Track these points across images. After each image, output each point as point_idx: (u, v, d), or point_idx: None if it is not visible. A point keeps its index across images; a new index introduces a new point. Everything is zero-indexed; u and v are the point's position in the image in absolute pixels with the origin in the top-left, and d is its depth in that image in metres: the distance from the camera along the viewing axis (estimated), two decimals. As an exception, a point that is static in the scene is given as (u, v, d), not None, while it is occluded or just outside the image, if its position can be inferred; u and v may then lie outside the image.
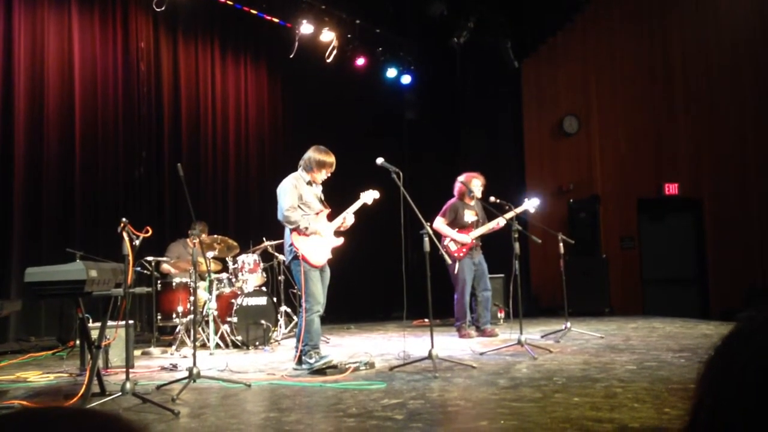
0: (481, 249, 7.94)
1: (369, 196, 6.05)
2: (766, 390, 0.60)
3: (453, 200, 7.92)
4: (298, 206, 5.66)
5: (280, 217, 5.67)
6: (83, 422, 0.61)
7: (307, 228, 5.61)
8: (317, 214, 5.78)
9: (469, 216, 7.84)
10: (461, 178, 7.86)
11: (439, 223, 7.73)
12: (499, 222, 7.62)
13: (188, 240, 8.14)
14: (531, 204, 7.69)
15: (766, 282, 11.40)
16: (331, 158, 5.79)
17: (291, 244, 5.63)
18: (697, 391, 0.67)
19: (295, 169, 5.88)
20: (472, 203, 7.91)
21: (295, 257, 5.60)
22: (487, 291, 7.88)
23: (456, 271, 7.64)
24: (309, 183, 5.79)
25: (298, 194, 5.68)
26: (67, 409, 0.63)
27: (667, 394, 4.15)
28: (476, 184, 7.86)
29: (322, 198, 5.93)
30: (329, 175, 5.86)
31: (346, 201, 6.11)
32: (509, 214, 7.27)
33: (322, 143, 5.95)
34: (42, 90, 8.06)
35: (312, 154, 5.79)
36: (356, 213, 6.01)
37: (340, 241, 5.92)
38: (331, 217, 5.95)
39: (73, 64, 8.35)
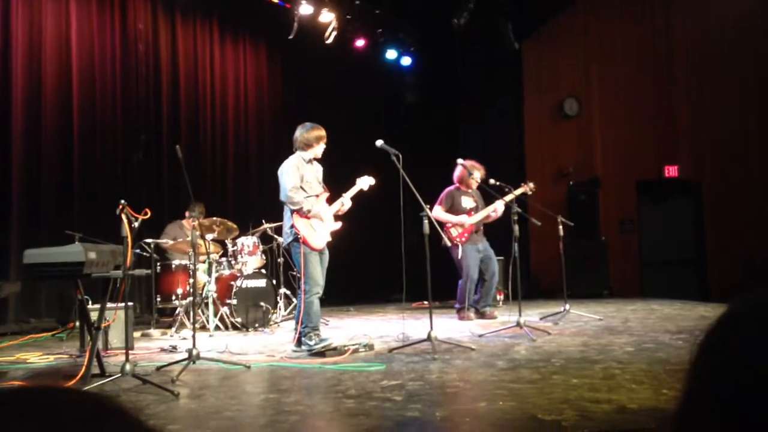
0: (483, 234, 7.92)
1: (365, 182, 6.07)
2: (755, 374, 0.60)
3: (450, 188, 7.89)
4: (301, 187, 5.67)
5: (282, 197, 5.68)
6: (73, 400, 0.61)
7: (309, 211, 5.61)
8: (317, 196, 5.79)
9: (467, 202, 7.82)
10: (463, 161, 7.77)
11: (438, 212, 7.67)
12: (497, 209, 7.61)
13: (184, 221, 8.13)
14: (528, 188, 7.67)
15: (764, 262, 11.39)
16: (322, 131, 5.87)
17: (292, 226, 5.64)
18: (687, 374, 0.66)
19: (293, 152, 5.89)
20: (470, 189, 7.88)
21: (295, 239, 5.61)
22: (494, 276, 7.87)
23: (459, 257, 7.64)
24: (310, 161, 5.81)
25: (300, 175, 5.69)
26: (60, 388, 0.62)
27: (665, 376, 4.17)
28: (475, 176, 7.74)
29: (321, 180, 5.93)
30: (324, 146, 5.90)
31: (344, 183, 6.11)
32: (508, 197, 7.27)
33: (322, 125, 5.95)
34: (39, 72, 8.02)
35: (306, 132, 5.81)
36: (354, 197, 6.02)
37: (338, 225, 5.94)
38: (329, 201, 5.96)
39: (71, 45, 8.30)
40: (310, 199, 5.70)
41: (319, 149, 5.84)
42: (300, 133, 5.84)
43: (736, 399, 0.60)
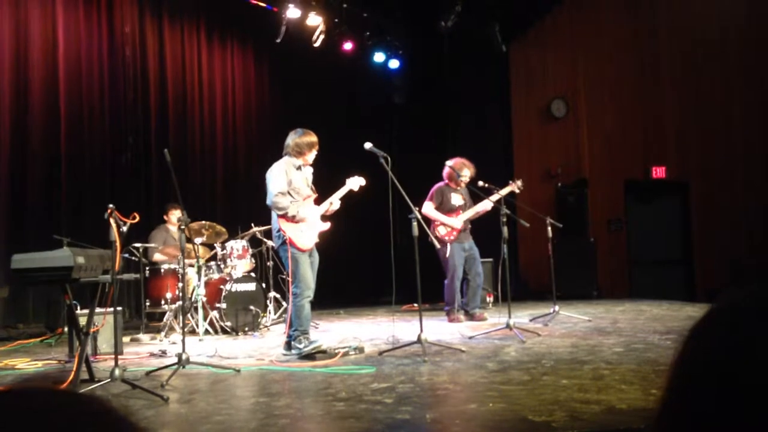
0: (470, 234, 7.94)
1: (355, 183, 6.05)
2: (735, 372, 0.61)
3: (440, 184, 7.91)
4: (288, 192, 5.66)
5: (268, 202, 5.67)
6: (64, 401, 0.61)
7: (294, 216, 5.60)
8: (305, 199, 5.79)
9: (457, 199, 7.83)
10: (450, 162, 7.82)
11: (428, 208, 7.71)
12: (486, 205, 7.63)
13: (168, 225, 8.11)
14: (516, 185, 7.70)
15: (752, 261, 11.48)
16: (314, 137, 5.84)
17: (279, 230, 5.63)
18: (671, 371, 0.67)
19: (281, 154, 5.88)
20: (459, 187, 7.90)
21: (284, 242, 5.60)
22: (479, 277, 7.89)
23: (446, 256, 7.65)
24: (299, 168, 5.79)
25: (288, 180, 5.68)
26: (51, 389, 0.63)
27: (654, 376, 4.19)
28: (465, 173, 7.79)
29: (310, 183, 5.92)
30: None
31: (332, 186, 6.12)
32: (495, 196, 7.31)
33: (310, 128, 5.94)
34: (26, 75, 7.98)
35: (298, 138, 5.78)
36: (343, 198, 6.02)
37: (327, 225, 5.93)
38: (317, 202, 5.96)
39: (58, 49, 8.26)
40: (297, 202, 5.69)
41: (310, 156, 5.81)
42: (292, 138, 5.82)
43: (717, 396, 0.61)
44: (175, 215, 7.80)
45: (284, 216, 5.60)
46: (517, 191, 7.74)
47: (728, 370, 0.61)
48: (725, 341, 0.64)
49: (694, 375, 0.65)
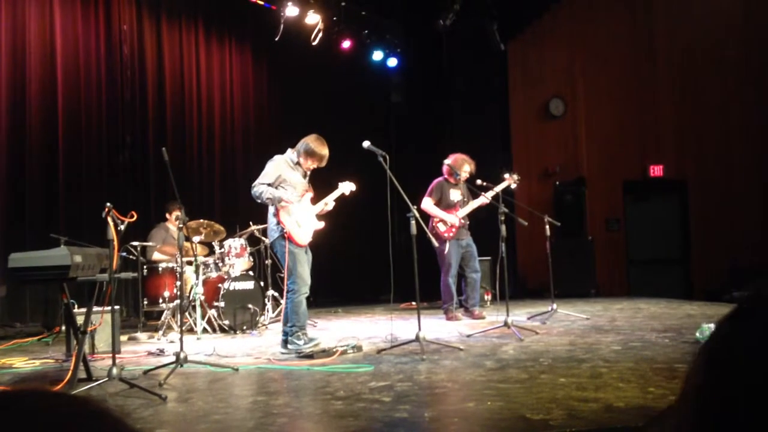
0: (469, 230, 7.94)
1: (346, 187, 6.12)
2: (759, 375, 0.60)
3: (439, 179, 7.91)
4: (283, 188, 5.66)
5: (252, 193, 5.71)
6: (59, 403, 0.61)
7: (280, 199, 5.58)
8: (301, 196, 5.81)
9: (455, 195, 7.84)
10: (448, 160, 7.81)
11: (427, 204, 7.72)
12: (483, 200, 7.64)
13: (168, 224, 8.10)
14: (512, 180, 7.70)
15: (749, 260, 11.49)
16: (322, 150, 5.77)
17: (278, 223, 5.63)
18: (694, 368, 0.66)
19: (282, 151, 5.88)
20: (458, 183, 7.91)
21: (281, 236, 5.60)
22: (476, 273, 7.90)
23: (444, 253, 7.65)
24: (297, 164, 5.79)
25: (277, 175, 5.69)
26: (45, 391, 0.62)
27: (652, 374, 4.19)
28: (466, 169, 7.80)
29: (306, 179, 5.92)
30: (317, 166, 5.84)
31: (329, 184, 6.15)
32: (491, 192, 7.32)
33: (308, 127, 5.96)
34: (24, 73, 7.96)
35: (307, 140, 5.80)
36: (338, 198, 6.08)
37: (322, 224, 5.98)
38: (313, 201, 5.99)
39: (55, 47, 8.25)
40: (292, 197, 5.71)
41: (306, 164, 5.79)
42: (305, 138, 5.82)
43: (746, 399, 0.60)
44: (176, 214, 7.80)
45: (262, 198, 5.60)
46: (514, 186, 7.76)
47: (758, 369, 0.60)
48: (755, 340, 0.62)
49: (723, 373, 0.63)
